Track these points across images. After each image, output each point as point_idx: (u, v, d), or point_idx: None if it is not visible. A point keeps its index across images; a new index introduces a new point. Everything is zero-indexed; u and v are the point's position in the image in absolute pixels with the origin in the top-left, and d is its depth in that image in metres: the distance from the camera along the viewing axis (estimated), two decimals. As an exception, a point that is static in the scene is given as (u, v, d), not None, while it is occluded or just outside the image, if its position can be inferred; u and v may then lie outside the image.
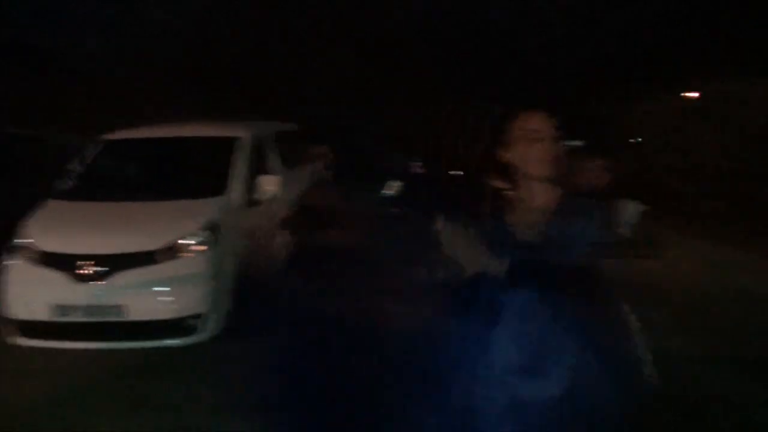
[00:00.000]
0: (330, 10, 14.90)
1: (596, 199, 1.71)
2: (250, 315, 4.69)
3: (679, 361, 3.62)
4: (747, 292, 5.81)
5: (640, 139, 15.16)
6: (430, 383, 1.74)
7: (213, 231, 4.39)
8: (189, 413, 3.54)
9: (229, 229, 4.57)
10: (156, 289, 4.09)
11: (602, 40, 13.81)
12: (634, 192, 3.52)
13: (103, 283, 4.04)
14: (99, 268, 4.06)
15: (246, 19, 14.96)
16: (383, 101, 16.24)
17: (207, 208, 4.57)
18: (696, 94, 13.79)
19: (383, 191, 8.15)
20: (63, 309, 4.04)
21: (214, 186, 4.81)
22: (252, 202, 5.04)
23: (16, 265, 4.24)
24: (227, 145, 5.24)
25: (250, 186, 5.06)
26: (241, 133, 5.45)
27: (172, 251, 4.20)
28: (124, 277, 4.07)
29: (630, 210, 3.26)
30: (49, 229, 4.41)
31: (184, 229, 4.31)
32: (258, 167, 5.36)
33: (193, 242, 4.28)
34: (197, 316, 4.16)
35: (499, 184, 1.69)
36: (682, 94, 14.03)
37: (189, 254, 4.24)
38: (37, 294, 4.12)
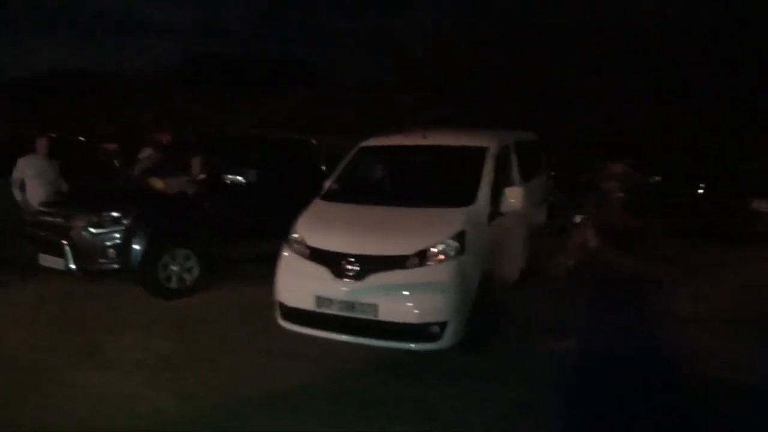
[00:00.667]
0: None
1: None
2: (485, 328, 4.61)
3: None
4: None
5: None
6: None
7: (462, 240, 4.38)
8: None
9: (476, 239, 4.52)
10: (406, 293, 4.19)
11: None
12: None
13: (360, 281, 4.28)
14: (357, 267, 4.31)
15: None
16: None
17: (457, 218, 4.57)
18: None
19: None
20: (323, 301, 4.37)
21: (464, 195, 4.82)
22: (496, 213, 4.94)
23: (289, 256, 4.75)
24: (476, 154, 5.22)
25: (496, 197, 4.97)
26: (488, 142, 5.39)
27: (422, 258, 4.28)
28: (379, 278, 4.25)
29: None
30: (314, 227, 4.84)
31: (435, 236, 4.36)
32: (501, 178, 5.27)
33: (442, 250, 4.31)
34: (441, 324, 4.18)
35: None
36: None
37: (438, 262, 4.28)
38: (302, 284, 4.54)
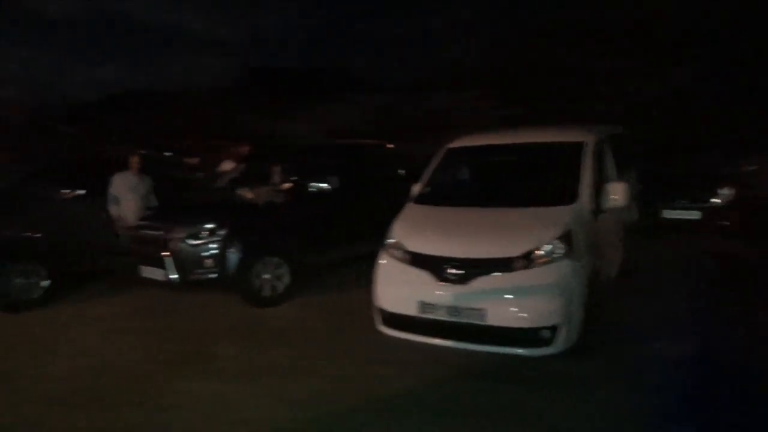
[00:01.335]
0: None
1: None
2: (597, 330, 4.42)
3: None
4: None
5: None
6: None
7: (568, 240, 4.22)
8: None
9: (582, 238, 4.34)
10: (514, 296, 4.07)
11: None
12: None
13: (465, 285, 4.19)
14: (461, 271, 4.22)
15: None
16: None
17: (561, 217, 4.41)
18: None
19: None
20: (427, 306, 4.30)
21: (566, 193, 4.64)
22: (599, 210, 4.74)
23: (387, 262, 4.71)
24: (573, 150, 5.02)
25: (598, 193, 4.77)
26: (585, 137, 5.18)
27: (529, 259, 4.15)
28: (485, 282, 4.15)
29: None
30: (412, 231, 4.78)
31: (541, 237, 4.22)
32: (599, 173, 5.05)
33: (550, 251, 4.17)
34: (552, 328, 4.03)
35: None
36: None
37: (546, 263, 4.14)
38: (404, 290, 4.49)
